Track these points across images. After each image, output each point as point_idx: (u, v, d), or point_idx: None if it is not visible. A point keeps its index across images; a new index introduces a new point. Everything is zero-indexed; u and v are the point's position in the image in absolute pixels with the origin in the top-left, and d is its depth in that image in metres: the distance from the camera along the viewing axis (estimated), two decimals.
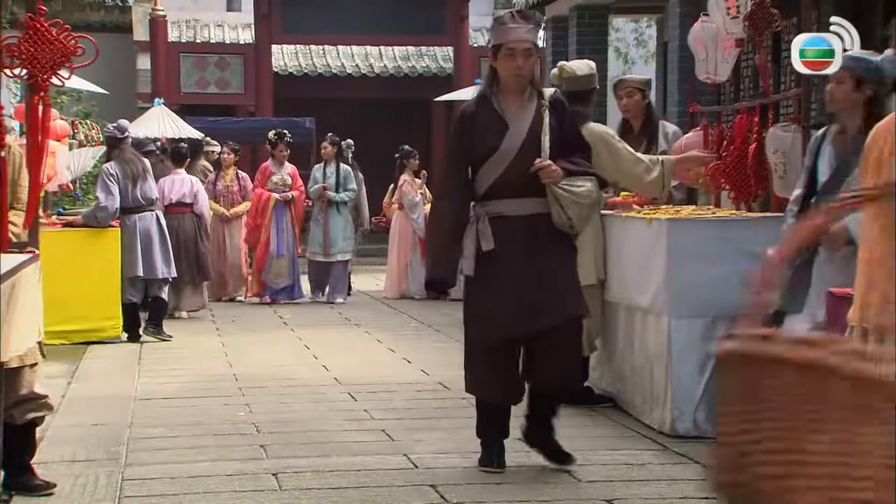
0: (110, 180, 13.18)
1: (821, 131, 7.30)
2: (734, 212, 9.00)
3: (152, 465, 7.50)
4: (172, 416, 9.09)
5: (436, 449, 7.94)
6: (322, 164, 18.07)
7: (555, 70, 9.47)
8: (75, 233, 13.19)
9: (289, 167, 17.88)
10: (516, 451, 7.85)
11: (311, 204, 18.06)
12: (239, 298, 17.82)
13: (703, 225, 8.37)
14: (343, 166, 17.94)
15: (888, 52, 7.06)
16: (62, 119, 16.80)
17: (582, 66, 9.26)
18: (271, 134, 17.95)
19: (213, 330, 14.49)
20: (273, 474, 7.23)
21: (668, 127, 10.32)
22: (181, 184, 15.62)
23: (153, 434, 8.43)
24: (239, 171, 18.32)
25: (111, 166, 13.35)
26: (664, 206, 9.21)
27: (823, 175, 7.04)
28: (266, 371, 11.25)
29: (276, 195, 17.47)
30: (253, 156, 24.57)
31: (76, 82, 16.77)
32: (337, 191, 17.78)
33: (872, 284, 5.26)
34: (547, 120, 7.21)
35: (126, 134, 13.50)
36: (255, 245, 17.59)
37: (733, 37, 9.38)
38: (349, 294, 18.17)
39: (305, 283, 18.04)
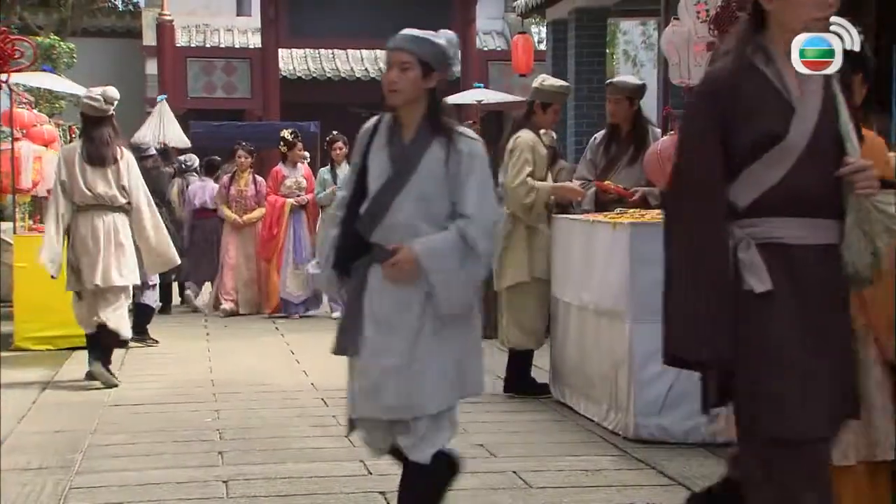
0: None
1: (370, 123, 5.78)
2: None
3: (104, 472, 7.48)
4: (138, 423, 9.08)
5: None
6: (329, 166, 16.57)
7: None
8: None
9: (302, 168, 16.94)
10: (473, 456, 7.82)
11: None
12: (243, 312, 16.57)
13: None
14: None
15: (443, 31, 6.08)
16: (59, 124, 16.86)
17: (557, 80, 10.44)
18: (287, 133, 16.81)
19: (203, 335, 14.49)
20: (224, 481, 7.21)
21: (657, 132, 10.28)
22: (202, 191, 17.23)
23: (114, 441, 8.41)
24: (255, 175, 17.31)
25: None
26: (631, 211, 9.19)
27: (375, 177, 5.58)
28: (244, 376, 11.23)
29: (290, 200, 16.45)
30: (258, 161, 24.54)
31: (68, 87, 16.79)
32: None
33: None
34: (843, 101, 4.72)
35: None
36: (269, 258, 16.50)
37: (703, 40, 9.27)
38: None
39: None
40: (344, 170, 16.04)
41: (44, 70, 16.56)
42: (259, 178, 17.24)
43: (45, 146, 14.47)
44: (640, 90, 10.34)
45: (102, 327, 10.86)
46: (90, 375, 10.82)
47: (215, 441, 8.41)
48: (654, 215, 8.78)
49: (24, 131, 14.25)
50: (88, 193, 10.84)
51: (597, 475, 7.40)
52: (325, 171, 16.64)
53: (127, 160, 10.99)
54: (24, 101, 15.24)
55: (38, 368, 11.74)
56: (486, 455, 7.93)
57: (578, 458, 7.83)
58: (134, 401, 10.04)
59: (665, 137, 10.02)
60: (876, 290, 5.02)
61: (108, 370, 10.85)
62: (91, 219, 10.87)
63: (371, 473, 7.43)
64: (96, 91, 10.97)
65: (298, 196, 16.52)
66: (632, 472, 7.51)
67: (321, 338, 13.88)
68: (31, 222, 14.90)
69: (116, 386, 10.73)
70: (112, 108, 10.95)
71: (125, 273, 10.88)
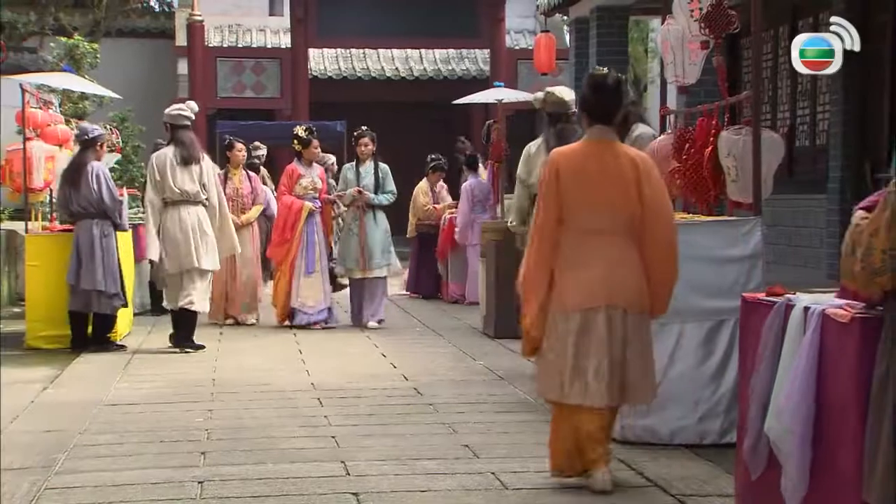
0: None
1: None
2: (685, 215, 8.87)
3: (83, 472, 7.48)
4: (129, 423, 9.09)
5: (377, 456, 7.87)
6: (354, 163, 15.51)
7: (539, 94, 11.02)
8: (71, 237, 13.18)
9: (317, 167, 15.55)
10: (456, 457, 7.81)
11: (340, 209, 16.11)
12: (251, 321, 15.58)
13: None
14: (381, 165, 15.42)
15: None
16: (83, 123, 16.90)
17: (566, 92, 10.80)
18: (301, 130, 15.42)
19: (216, 335, 14.46)
20: (199, 482, 7.20)
21: (638, 129, 10.13)
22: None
23: (100, 441, 8.42)
24: (248, 171, 16.25)
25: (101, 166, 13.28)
26: None
27: None
28: (245, 376, 11.24)
29: (309, 204, 15.03)
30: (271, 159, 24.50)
31: (89, 87, 16.87)
32: (375, 193, 15.22)
33: (615, 274, 6.88)
34: None
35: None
36: (279, 262, 15.19)
37: (698, 39, 9.20)
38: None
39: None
40: (368, 168, 15.32)
41: (64, 70, 16.64)
42: (252, 174, 16.28)
43: (60, 146, 14.53)
44: None
45: (184, 309, 12.99)
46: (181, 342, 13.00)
47: (201, 441, 8.41)
48: None
49: (38, 131, 14.31)
50: (177, 190, 12.95)
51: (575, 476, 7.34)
52: (348, 169, 15.59)
53: (207, 161, 13.36)
54: (43, 100, 15.28)
55: (44, 367, 11.80)
56: (470, 456, 7.90)
57: None
58: (130, 400, 10.06)
59: (662, 136, 9.98)
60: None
61: (192, 342, 13.06)
62: (179, 212, 12.97)
63: (349, 474, 7.42)
64: (181, 105, 13.32)
65: (315, 199, 15.20)
66: (611, 472, 7.44)
67: (331, 336, 14.13)
68: (45, 222, 14.96)
69: (203, 348, 13.04)
70: (194, 117, 13.30)
71: (209, 258, 13.08)
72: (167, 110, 13.35)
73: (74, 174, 13.00)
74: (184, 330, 13.07)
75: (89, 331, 13.00)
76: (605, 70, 7.35)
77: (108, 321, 13.12)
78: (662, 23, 9.98)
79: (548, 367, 7.02)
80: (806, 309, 5.56)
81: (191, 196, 13.00)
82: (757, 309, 6.13)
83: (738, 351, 6.62)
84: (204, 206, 13.11)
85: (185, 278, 13.00)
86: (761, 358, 5.86)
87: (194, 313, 13.13)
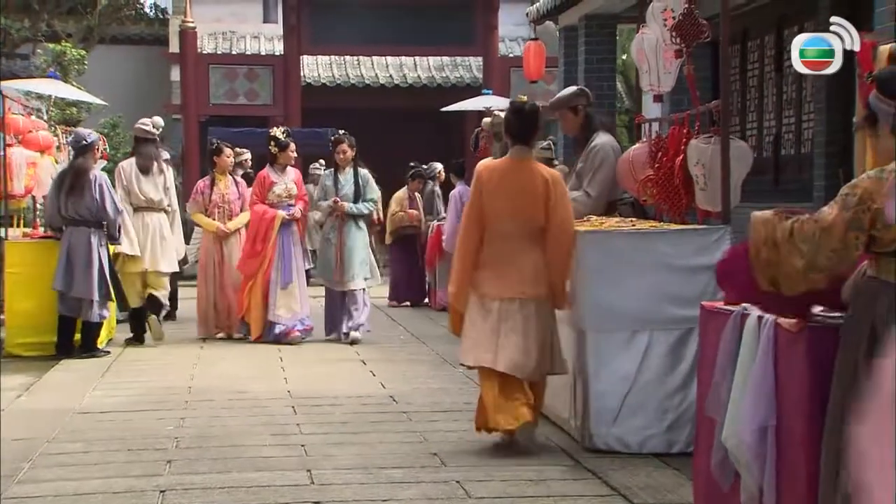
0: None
1: None
2: (654, 224, 8.85)
3: (46, 482, 7.44)
4: (99, 431, 9.05)
5: (344, 464, 7.85)
6: (333, 171, 14.80)
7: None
8: (53, 244, 13.13)
9: (292, 172, 14.75)
10: (423, 466, 7.78)
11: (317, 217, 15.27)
12: (237, 335, 14.71)
13: (619, 237, 8.23)
14: (362, 171, 14.65)
15: None
16: (70, 129, 16.89)
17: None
18: (279, 132, 14.83)
19: (199, 342, 14.45)
20: (161, 491, 7.16)
21: (597, 138, 9.86)
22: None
23: (68, 449, 8.38)
24: (235, 177, 15.40)
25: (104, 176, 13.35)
26: (595, 219, 9.09)
27: None
28: (222, 384, 11.20)
29: (282, 213, 14.32)
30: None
31: (74, 93, 16.87)
32: (355, 202, 14.48)
33: (515, 271, 8.18)
34: None
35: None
36: (251, 275, 14.35)
37: (672, 48, 9.17)
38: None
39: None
40: (348, 176, 14.59)
41: (49, 77, 16.61)
42: (239, 179, 15.47)
43: (41, 152, 14.51)
44: (573, 98, 10.02)
45: (152, 298, 14.00)
46: (138, 338, 14.01)
47: (169, 450, 8.37)
48: (613, 223, 8.72)
49: (20, 137, 14.28)
50: (142, 197, 13.96)
51: (540, 485, 7.32)
52: (327, 176, 14.95)
53: (168, 172, 14.33)
54: (27, 107, 15.25)
55: (21, 375, 11.77)
56: (437, 464, 7.88)
57: (528, 468, 7.75)
58: (104, 408, 10.02)
59: (637, 145, 9.95)
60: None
61: (158, 321, 14.05)
62: (142, 217, 13.93)
63: (313, 483, 7.40)
64: (147, 120, 14.24)
65: (290, 207, 14.50)
66: (577, 482, 7.43)
67: (312, 345, 14.04)
68: (27, 228, 14.94)
69: (162, 338, 14.02)
70: (158, 132, 14.29)
71: (168, 261, 14.08)
72: (136, 125, 14.47)
73: (75, 180, 12.91)
74: (141, 323, 14.07)
75: (76, 337, 13.00)
76: (525, 98, 8.99)
77: (96, 329, 13.13)
78: (637, 31, 9.96)
79: (465, 340, 8.32)
80: (760, 318, 5.53)
81: (155, 203, 14.03)
82: (715, 317, 6.09)
83: (698, 359, 6.59)
84: (166, 212, 14.16)
85: (148, 276, 14.03)
86: (720, 368, 5.83)
87: (158, 303, 14.13)
